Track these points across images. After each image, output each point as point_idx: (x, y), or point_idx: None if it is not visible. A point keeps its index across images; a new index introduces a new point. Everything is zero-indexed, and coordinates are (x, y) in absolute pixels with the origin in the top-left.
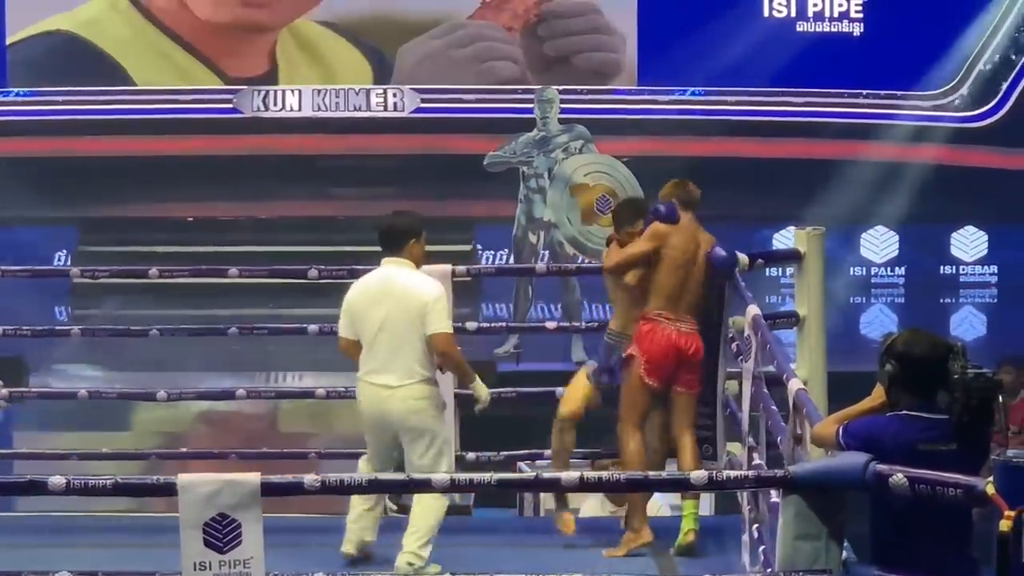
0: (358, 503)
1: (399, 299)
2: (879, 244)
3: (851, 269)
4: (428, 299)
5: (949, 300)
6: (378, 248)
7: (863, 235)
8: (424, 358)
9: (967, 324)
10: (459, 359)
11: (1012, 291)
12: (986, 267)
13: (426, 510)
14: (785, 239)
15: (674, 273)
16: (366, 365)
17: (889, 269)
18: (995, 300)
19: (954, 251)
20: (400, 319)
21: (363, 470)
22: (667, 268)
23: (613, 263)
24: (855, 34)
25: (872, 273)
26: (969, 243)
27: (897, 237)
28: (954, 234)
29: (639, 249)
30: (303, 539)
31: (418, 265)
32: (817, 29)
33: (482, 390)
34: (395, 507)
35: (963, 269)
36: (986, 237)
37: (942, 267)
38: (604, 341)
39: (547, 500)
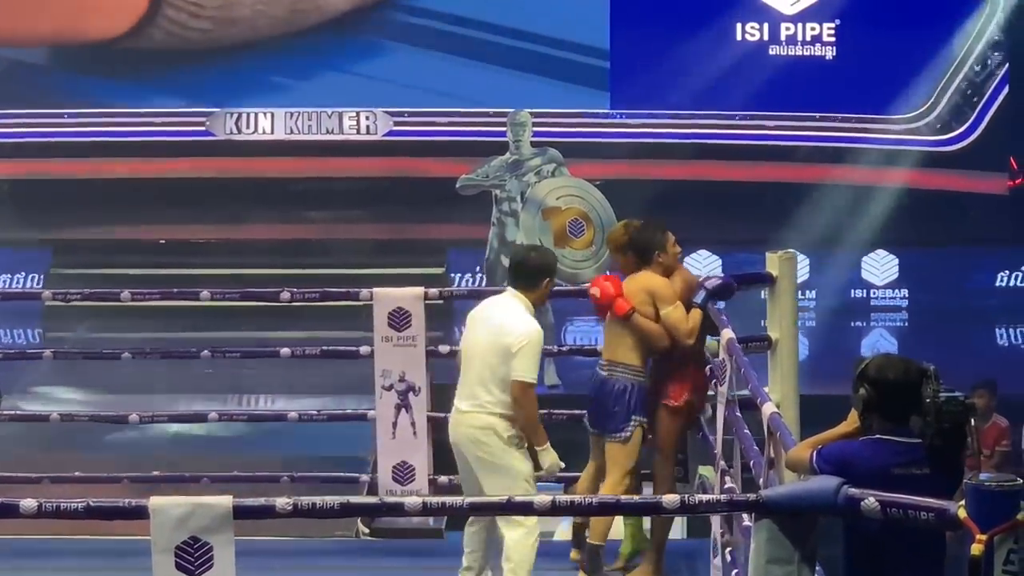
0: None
1: (494, 330)
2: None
3: (762, 292)
4: (518, 339)
5: (860, 323)
6: (352, 270)
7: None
8: (500, 393)
9: (878, 348)
10: (531, 412)
11: (922, 315)
12: (896, 291)
13: (514, 544)
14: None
15: None
16: (458, 385)
17: (802, 292)
18: (906, 324)
19: (864, 275)
20: (489, 350)
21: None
22: None
23: (689, 329)
24: (828, 58)
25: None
26: (880, 267)
27: (808, 260)
28: (865, 258)
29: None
30: (275, 563)
31: (538, 304)
32: (790, 53)
33: (549, 458)
34: (367, 530)
35: (874, 292)
36: (897, 261)
37: (852, 291)
38: (623, 377)
39: None
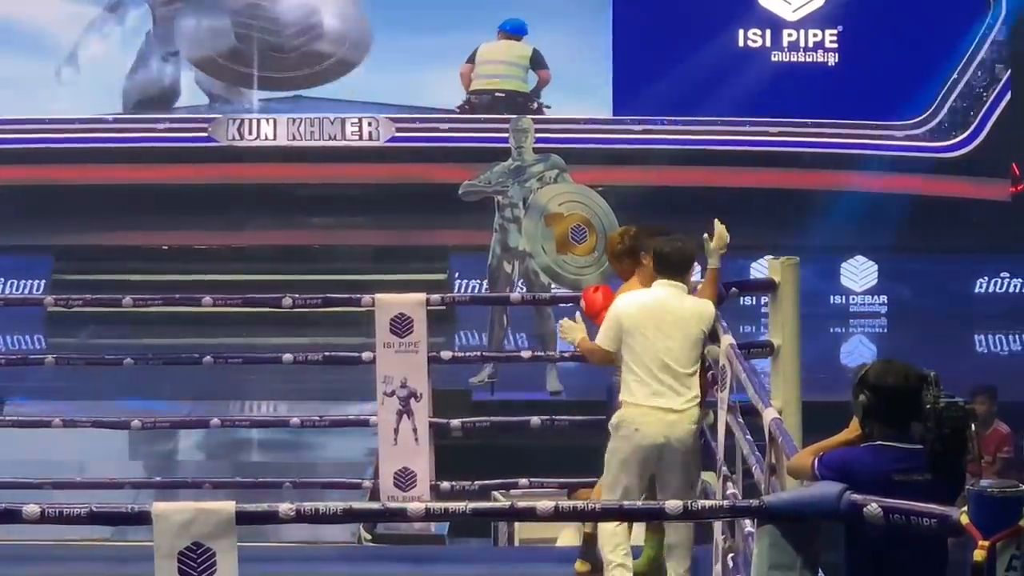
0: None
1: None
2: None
3: (742, 299)
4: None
5: (839, 330)
6: (354, 276)
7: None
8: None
9: (856, 354)
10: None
11: (901, 321)
12: (876, 297)
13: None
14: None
15: None
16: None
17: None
18: (885, 330)
19: (844, 281)
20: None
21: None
22: None
23: None
24: (830, 64)
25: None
26: (859, 273)
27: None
28: (843, 264)
29: None
30: (278, 568)
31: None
32: (796, 59)
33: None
34: (369, 536)
35: (853, 299)
36: (876, 267)
37: (832, 297)
38: None
39: (522, 530)
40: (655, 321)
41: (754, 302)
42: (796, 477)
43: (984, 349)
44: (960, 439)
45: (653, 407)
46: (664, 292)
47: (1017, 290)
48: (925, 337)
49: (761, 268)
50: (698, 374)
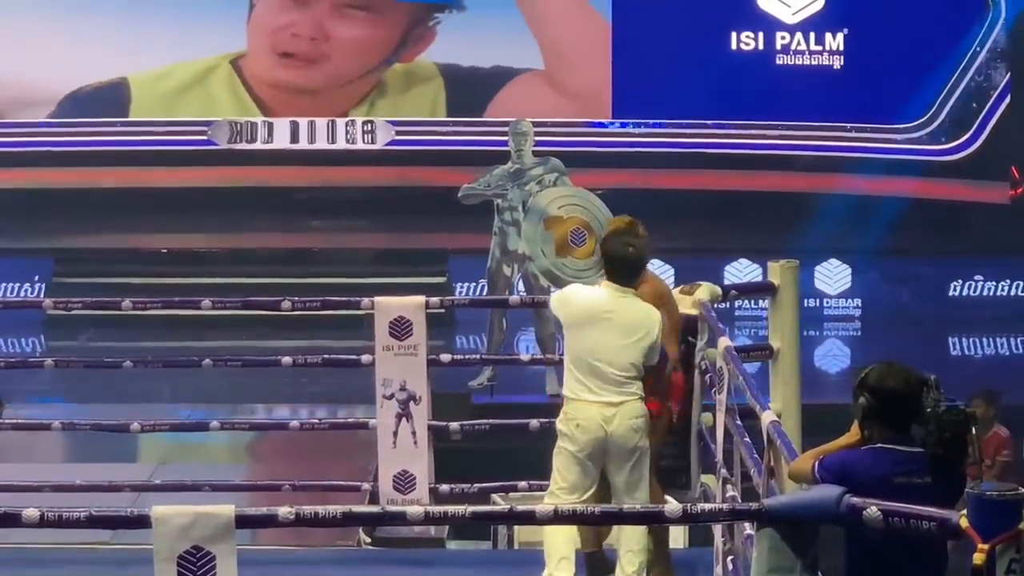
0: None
1: None
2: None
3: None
4: None
5: (813, 333)
6: (354, 279)
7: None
8: None
9: (831, 357)
10: None
11: (875, 324)
12: (850, 300)
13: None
14: (735, 272)
15: None
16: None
17: (754, 302)
18: (859, 333)
19: (818, 284)
20: None
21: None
22: None
23: None
24: (835, 67)
25: (737, 306)
26: (833, 276)
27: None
28: (817, 267)
29: None
30: (278, 572)
31: None
32: (795, 62)
33: None
34: (368, 540)
35: (827, 302)
36: (849, 270)
37: (805, 300)
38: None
39: (522, 533)
40: (595, 321)
41: (728, 306)
42: (797, 481)
43: (958, 352)
44: (961, 443)
45: (590, 402)
46: (607, 294)
47: (992, 293)
48: (901, 340)
49: (735, 271)
50: (642, 379)
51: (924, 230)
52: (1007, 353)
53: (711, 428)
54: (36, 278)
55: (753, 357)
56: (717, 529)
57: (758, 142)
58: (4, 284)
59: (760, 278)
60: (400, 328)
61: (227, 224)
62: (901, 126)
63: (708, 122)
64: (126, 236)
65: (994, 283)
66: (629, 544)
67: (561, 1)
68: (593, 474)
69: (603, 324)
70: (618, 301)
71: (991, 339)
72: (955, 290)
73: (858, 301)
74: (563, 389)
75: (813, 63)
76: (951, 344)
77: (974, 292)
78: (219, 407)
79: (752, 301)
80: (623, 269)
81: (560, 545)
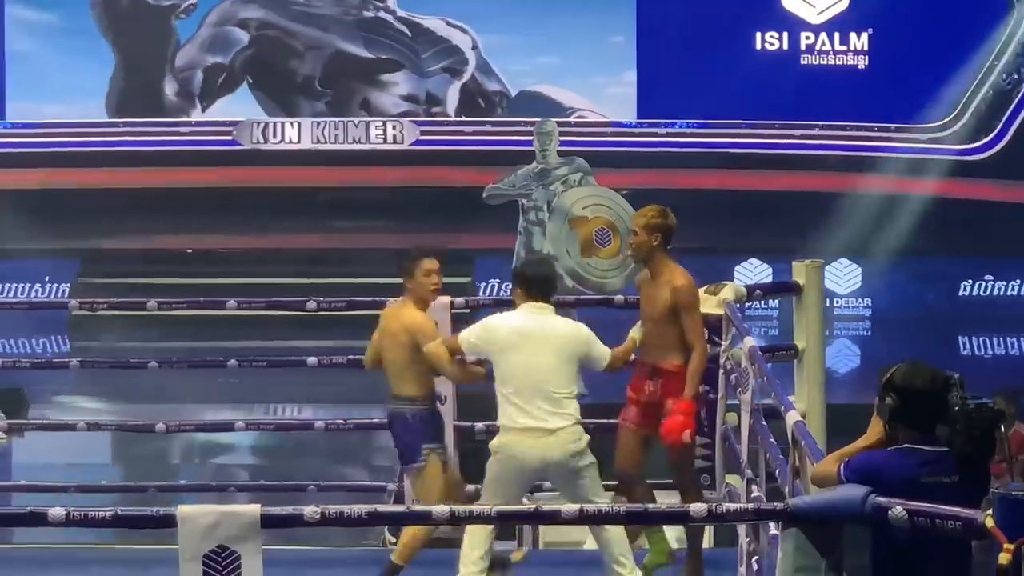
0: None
1: None
2: (753, 276)
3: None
4: None
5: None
6: (379, 280)
7: (736, 267)
8: None
9: (841, 357)
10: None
11: (885, 324)
12: (860, 300)
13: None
14: (745, 272)
15: None
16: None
17: (763, 302)
18: (868, 333)
19: (828, 284)
20: None
21: None
22: None
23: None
24: (860, 67)
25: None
26: (843, 276)
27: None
28: (827, 267)
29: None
30: (303, 571)
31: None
32: (820, 62)
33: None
34: (394, 540)
35: (837, 302)
36: (860, 270)
37: None
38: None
39: (546, 533)
40: (525, 343)
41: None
42: (821, 485)
43: (968, 352)
44: (989, 440)
45: (525, 428)
46: (530, 315)
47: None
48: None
49: (745, 271)
50: (574, 396)
51: (939, 231)
52: (1017, 353)
53: (736, 428)
54: (61, 278)
55: (778, 357)
56: (742, 529)
57: (782, 142)
58: (30, 284)
59: (770, 278)
60: None
61: (252, 224)
62: (925, 126)
63: (732, 122)
64: (151, 237)
65: (1004, 283)
66: (614, 555)
67: None
68: (524, 491)
69: (532, 344)
70: (542, 320)
71: (1001, 338)
72: (965, 290)
73: (868, 301)
74: (499, 418)
75: (838, 63)
76: (961, 343)
77: (984, 292)
78: (241, 407)
79: (762, 301)
80: (540, 286)
81: (477, 546)
